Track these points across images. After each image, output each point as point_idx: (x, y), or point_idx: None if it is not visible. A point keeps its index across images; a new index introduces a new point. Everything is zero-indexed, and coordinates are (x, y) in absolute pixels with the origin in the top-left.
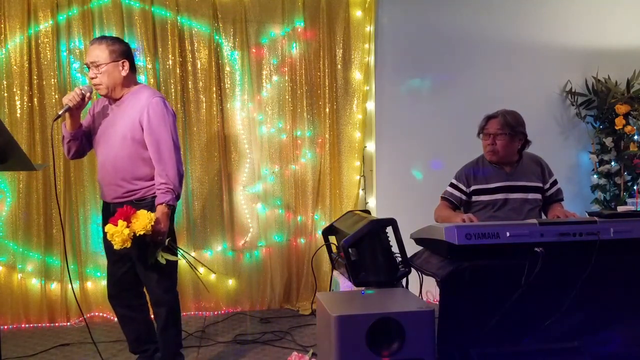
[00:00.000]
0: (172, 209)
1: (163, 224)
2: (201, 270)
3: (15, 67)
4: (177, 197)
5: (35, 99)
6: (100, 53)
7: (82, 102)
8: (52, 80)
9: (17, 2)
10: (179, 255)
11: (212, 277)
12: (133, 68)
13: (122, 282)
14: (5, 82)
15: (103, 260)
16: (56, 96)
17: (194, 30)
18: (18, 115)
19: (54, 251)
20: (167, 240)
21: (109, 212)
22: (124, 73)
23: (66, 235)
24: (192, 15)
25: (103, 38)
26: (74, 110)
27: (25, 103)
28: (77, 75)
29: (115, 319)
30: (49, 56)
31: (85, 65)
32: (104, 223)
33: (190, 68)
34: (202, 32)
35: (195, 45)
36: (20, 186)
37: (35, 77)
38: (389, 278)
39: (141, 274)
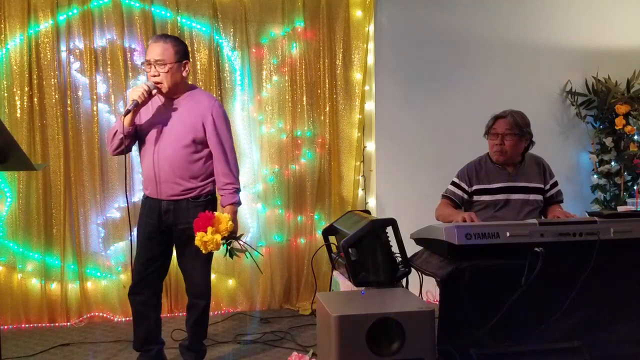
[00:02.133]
0: (238, 206)
1: (236, 223)
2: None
3: (15, 67)
4: None
5: (35, 99)
6: (166, 52)
7: (148, 99)
8: (52, 80)
9: (17, 2)
10: (248, 251)
11: (212, 277)
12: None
13: (146, 281)
14: (5, 82)
15: (103, 261)
16: (56, 96)
17: (194, 30)
18: (18, 115)
19: (54, 251)
20: (240, 236)
21: (156, 209)
22: (185, 74)
23: (66, 235)
24: (192, 15)
25: (168, 37)
26: (139, 106)
27: (25, 103)
28: (77, 75)
29: (116, 319)
30: (49, 56)
31: (146, 62)
32: (149, 220)
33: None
34: (202, 32)
35: (195, 45)
36: (20, 186)
37: (35, 77)
38: (389, 278)
39: (191, 268)
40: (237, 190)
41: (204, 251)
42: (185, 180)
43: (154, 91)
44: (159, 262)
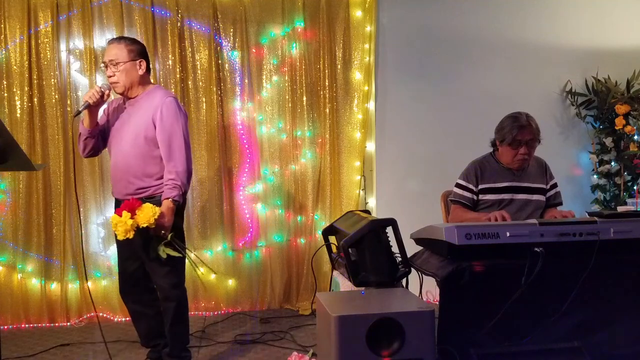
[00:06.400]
0: (177, 204)
1: (167, 219)
2: (202, 269)
3: (15, 67)
4: (184, 194)
5: (35, 99)
6: (119, 52)
7: (101, 100)
8: (52, 80)
9: (17, 2)
10: (180, 252)
11: (212, 277)
12: (148, 68)
13: (133, 279)
14: (5, 82)
15: (103, 261)
16: (56, 96)
17: (194, 30)
18: (18, 115)
19: (54, 251)
20: (170, 236)
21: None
22: (140, 72)
23: (66, 235)
24: (192, 15)
25: (122, 38)
26: (93, 108)
27: (25, 103)
28: (77, 75)
29: (115, 319)
30: (49, 56)
31: (102, 64)
32: None
33: (190, 68)
34: (202, 32)
35: (195, 45)
36: (20, 186)
37: (35, 77)
38: (389, 278)
39: (149, 269)
40: (177, 187)
41: (118, 237)
42: (139, 178)
43: (107, 92)
44: (139, 261)
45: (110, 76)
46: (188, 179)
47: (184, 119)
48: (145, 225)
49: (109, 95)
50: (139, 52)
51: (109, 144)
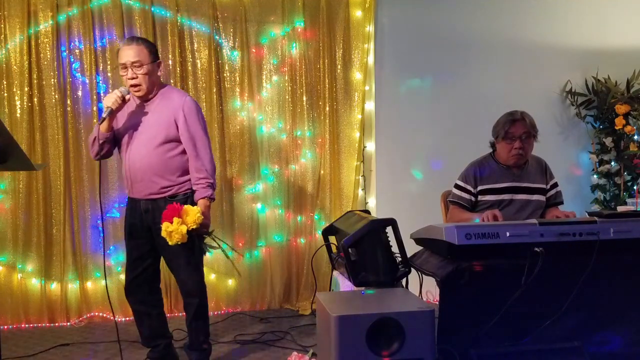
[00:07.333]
0: (212, 202)
1: (207, 217)
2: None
3: (15, 67)
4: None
5: (35, 99)
6: (141, 53)
7: (122, 104)
8: (52, 80)
9: (17, 2)
10: (220, 246)
11: (212, 277)
12: None
13: (139, 279)
14: (5, 82)
15: (102, 260)
16: (56, 96)
17: (194, 30)
18: (18, 115)
19: (54, 251)
20: (211, 232)
21: (137, 209)
22: (159, 73)
23: (66, 235)
24: (192, 15)
25: (139, 38)
26: (114, 112)
27: (25, 103)
28: (77, 75)
29: (115, 319)
30: (49, 56)
31: (121, 66)
32: (131, 220)
33: (190, 68)
34: (202, 32)
35: (195, 45)
36: (20, 186)
37: (35, 77)
38: (389, 278)
39: (177, 267)
40: (210, 185)
41: (170, 242)
42: (162, 178)
43: (128, 96)
44: (149, 260)
45: (132, 78)
46: (215, 174)
47: (203, 116)
48: (194, 227)
49: (128, 99)
50: (156, 53)
51: (123, 145)
